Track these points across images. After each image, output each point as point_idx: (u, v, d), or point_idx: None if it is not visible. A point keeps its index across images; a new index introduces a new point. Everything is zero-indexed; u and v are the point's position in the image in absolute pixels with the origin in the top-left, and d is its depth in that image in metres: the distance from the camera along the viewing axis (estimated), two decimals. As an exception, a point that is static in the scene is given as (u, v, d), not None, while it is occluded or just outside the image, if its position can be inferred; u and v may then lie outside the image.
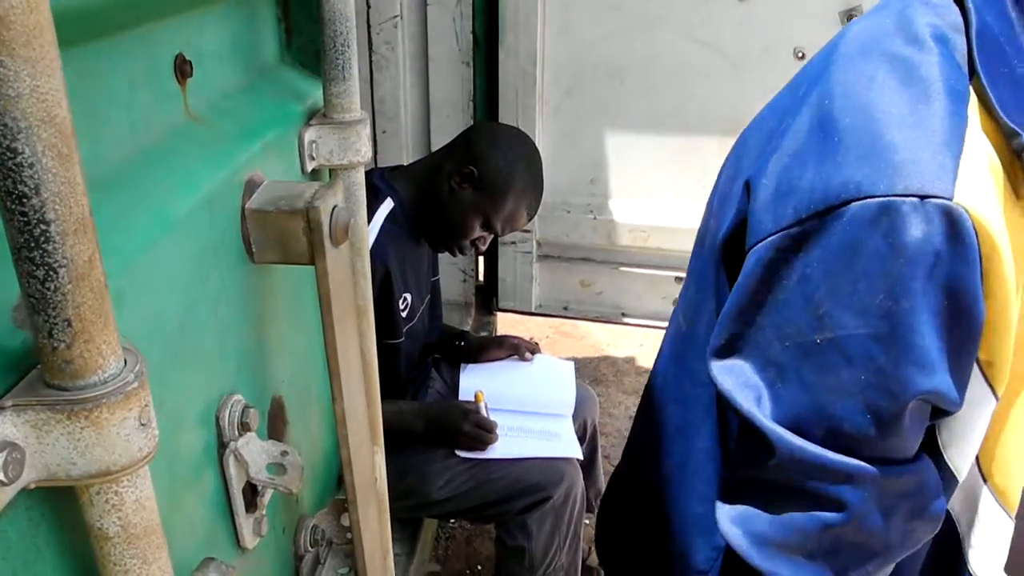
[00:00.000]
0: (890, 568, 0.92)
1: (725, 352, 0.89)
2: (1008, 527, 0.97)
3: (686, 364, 1.07)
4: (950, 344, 0.77)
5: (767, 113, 1.03)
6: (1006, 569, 1.01)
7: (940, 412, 0.83)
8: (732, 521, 0.91)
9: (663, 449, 1.11)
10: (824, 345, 0.80)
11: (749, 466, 0.90)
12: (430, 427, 2.03)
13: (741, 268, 0.88)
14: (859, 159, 0.77)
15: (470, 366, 2.39)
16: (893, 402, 0.78)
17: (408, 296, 2.05)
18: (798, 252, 0.80)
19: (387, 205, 1.98)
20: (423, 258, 2.18)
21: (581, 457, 2.19)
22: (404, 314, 2.05)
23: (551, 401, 2.29)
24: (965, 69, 0.81)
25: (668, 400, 1.12)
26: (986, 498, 0.95)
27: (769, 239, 0.83)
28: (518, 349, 2.42)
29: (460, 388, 2.30)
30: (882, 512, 0.84)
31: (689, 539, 1.04)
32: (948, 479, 0.91)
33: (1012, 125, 0.76)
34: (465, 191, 1.97)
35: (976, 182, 0.75)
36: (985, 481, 0.94)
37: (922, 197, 0.73)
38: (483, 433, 2.01)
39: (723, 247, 0.97)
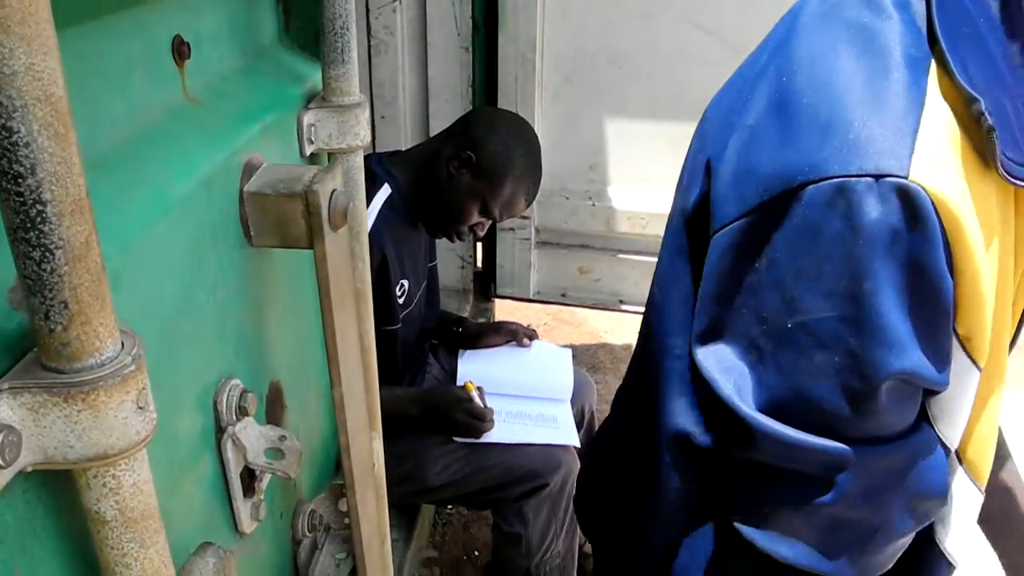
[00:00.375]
0: (906, 541, 0.91)
1: (708, 337, 0.89)
2: (978, 502, 0.97)
3: (660, 337, 1.06)
4: (918, 323, 0.76)
5: (729, 85, 1.02)
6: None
7: (930, 391, 0.83)
8: (736, 505, 0.92)
9: (641, 421, 1.10)
10: (796, 329, 0.79)
11: (740, 448, 0.89)
12: (426, 413, 2.03)
13: (707, 246, 0.88)
14: (814, 139, 0.76)
15: (468, 352, 2.38)
16: (866, 383, 0.77)
17: (405, 282, 2.05)
18: (763, 236, 0.79)
19: (384, 191, 1.97)
20: (420, 244, 2.17)
21: (578, 444, 2.19)
22: (401, 300, 2.04)
23: (549, 388, 2.29)
24: (925, 33, 0.79)
25: (645, 373, 1.11)
26: (959, 474, 0.95)
27: (734, 224, 0.82)
28: (516, 335, 2.41)
29: (458, 374, 2.29)
30: (871, 490, 0.84)
31: (667, 513, 1.03)
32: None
33: (970, 90, 0.74)
34: (463, 176, 1.96)
35: (935, 157, 0.73)
36: (959, 456, 0.94)
37: (877, 176, 0.72)
38: (476, 422, 2.01)
39: (687, 223, 0.97)
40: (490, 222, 2.09)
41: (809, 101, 0.79)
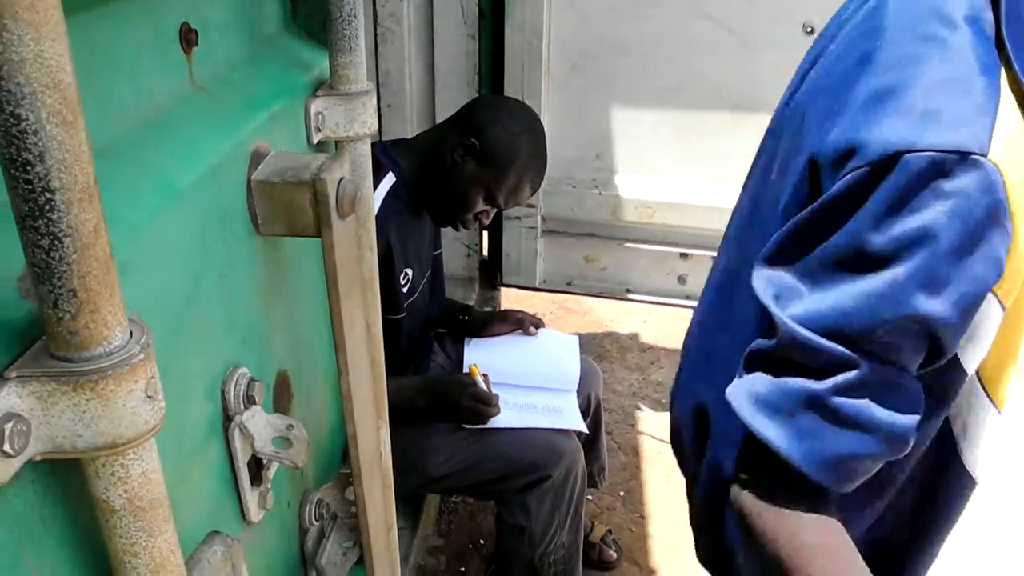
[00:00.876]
0: (875, 461, 0.98)
1: (772, 262, 1.00)
2: (997, 422, 1.06)
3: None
4: (965, 286, 0.87)
5: (818, 87, 1.10)
6: None
7: (936, 350, 0.93)
8: (737, 386, 1.03)
9: (720, 334, 1.27)
10: (858, 268, 0.90)
11: (765, 340, 1.01)
12: (431, 402, 2.02)
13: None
14: (914, 119, 0.87)
15: (474, 340, 2.38)
16: (897, 315, 0.88)
17: (409, 271, 2.04)
18: (856, 195, 0.89)
19: (389, 179, 1.97)
20: (425, 232, 2.16)
21: (586, 430, 2.19)
22: (405, 289, 2.04)
23: (555, 376, 2.29)
24: (994, 42, 0.90)
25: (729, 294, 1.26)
26: (978, 392, 1.04)
27: (834, 184, 0.92)
28: (522, 323, 2.41)
29: (464, 363, 2.29)
30: (865, 397, 0.93)
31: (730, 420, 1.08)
32: (959, 374, 1.01)
33: None
34: (468, 164, 1.96)
35: (1008, 146, 0.85)
36: (979, 378, 1.03)
37: (963, 154, 0.84)
38: (482, 407, 2.01)
39: (783, 214, 1.04)
40: (495, 210, 2.08)
41: (906, 90, 0.90)
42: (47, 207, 0.47)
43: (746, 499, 1.03)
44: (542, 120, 2.67)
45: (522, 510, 2.07)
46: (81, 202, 0.49)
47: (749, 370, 1.02)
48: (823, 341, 0.91)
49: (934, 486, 1.13)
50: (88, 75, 0.66)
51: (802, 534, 0.99)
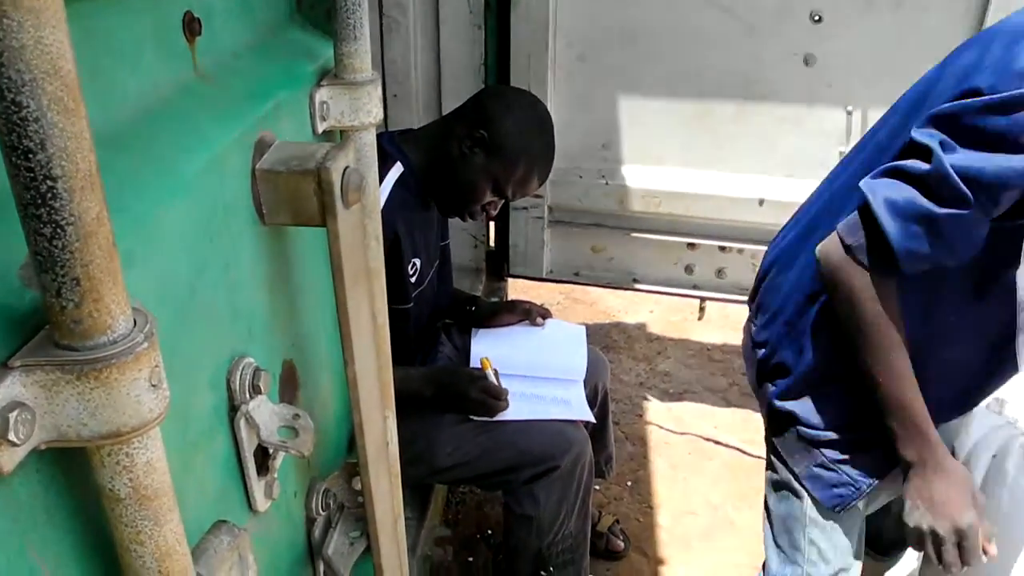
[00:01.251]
0: (936, 265, 1.35)
1: (937, 124, 1.32)
2: None
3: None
4: None
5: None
6: None
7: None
8: (874, 183, 1.36)
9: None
10: (1004, 147, 1.25)
11: (917, 163, 1.31)
12: (439, 392, 2.02)
13: None
14: None
15: (481, 331, 2.38)
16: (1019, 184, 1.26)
17: (417, 261, 2.04)
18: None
19: (397, 169, 1.96)
20: (432, 222, 2.16)
21: (593, 420, 2.19)
22: (413, 279, 2.03)
23: (562, 366, 2.29)
24: None
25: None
26: None
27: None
28: (529, 314, 2.40)
29: (471, 353, 2.29)
30: (960, 228, 1.30)
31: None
32: None
33: None
34: (476, 155, 1.95)
35: None
36: None
37: None
38: (490, 400, 2.00)
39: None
40: (503, 201, 2.08)
41: None
42: (49, 195, 0.47)
43: (843, 260, 1.41)
44: (548, 110, 2.67)
45: (530, 500, 2.07)
46: (83, 190, 0.49)
47: (888, 176, 1.35)
48: (959, 180, 1.25)
49: (989, 359, 1.54)
50: (91, 64, 0.66)
51: (881, 299, 1.39)
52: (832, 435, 1.61)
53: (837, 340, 1.51)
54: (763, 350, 1.73)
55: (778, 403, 1.67)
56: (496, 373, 2.09)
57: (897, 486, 1.54)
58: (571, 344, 2.36)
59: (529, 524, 2.10)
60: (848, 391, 1.56)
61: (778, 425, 1.70)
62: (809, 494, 1.65)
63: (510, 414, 2.03)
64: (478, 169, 1.96)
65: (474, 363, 2.24)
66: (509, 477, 2.06)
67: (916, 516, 1.47)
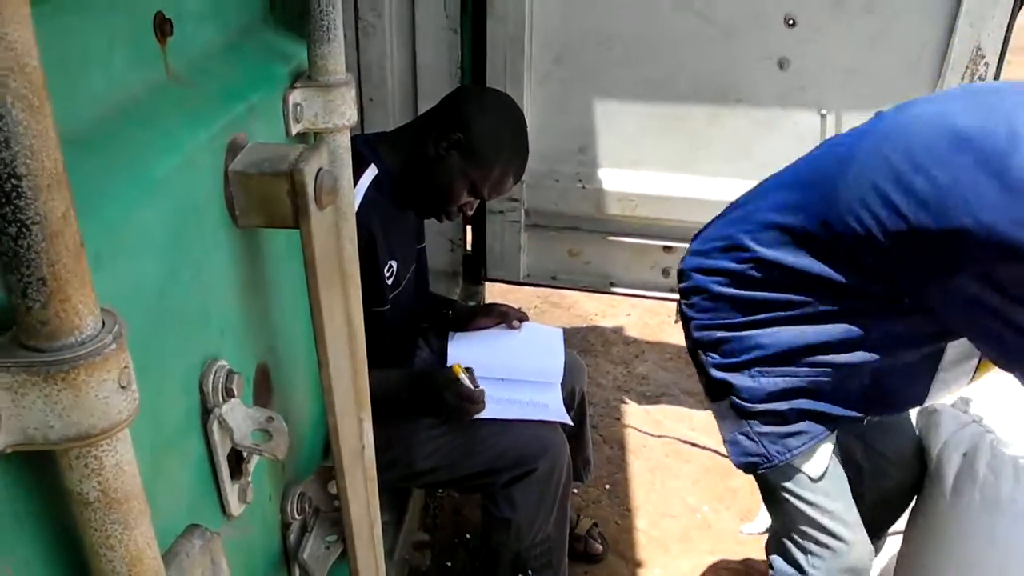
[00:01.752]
0: None
1: None
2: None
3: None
4: None
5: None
6: None
7: None
8: None
9: None
10: None
11: None
12: (416, 395, 2.02)
13: None
14: None
15: (458, 334, 2.37)
16: None
17: (394, 263, 2.03)
18: None
19: (371, 172, 1.95)
20: (408, 225, 2.16)
21: (570, 423, 2.19)
22: (390, 282, 2.03)
23: (540, 369, 2.28)
24: None
25: None
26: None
27: None
28: (506, 317, 2.40)
29: (448, 357, 2.28)
30: None
31: None
32: None
33: None
34: (452, 157, 1.95)
35: None
36: None
37: None
38: (466, 404, 2.00)
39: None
40: (478, 201, 2.07)
41: None
42: (14, 194, 0.47)
43: None
44: (525, 114, 2.67)
45: (508, 503, 2.07)
46: (49, 188, 0.48)
47: None
48: None
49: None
50: (60, 64, 0.65)
51: None
52: (761, 407, 1.74)
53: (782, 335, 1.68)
54: (700, 321, 1.85)
55: (715, 373, 1.80)
56: (471, 373, 2.08)
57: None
58: (549, 347, 2.36)
59: (507, 527, 2.09)
60: (781, 373, 1.71)
61: (715, 391, 1.84)
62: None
63: (487, 415, 2.03)
64: (454, 171, 1.96)
65: (452, 352, 2.24)
66: (487, 480, 2.06)
67: None
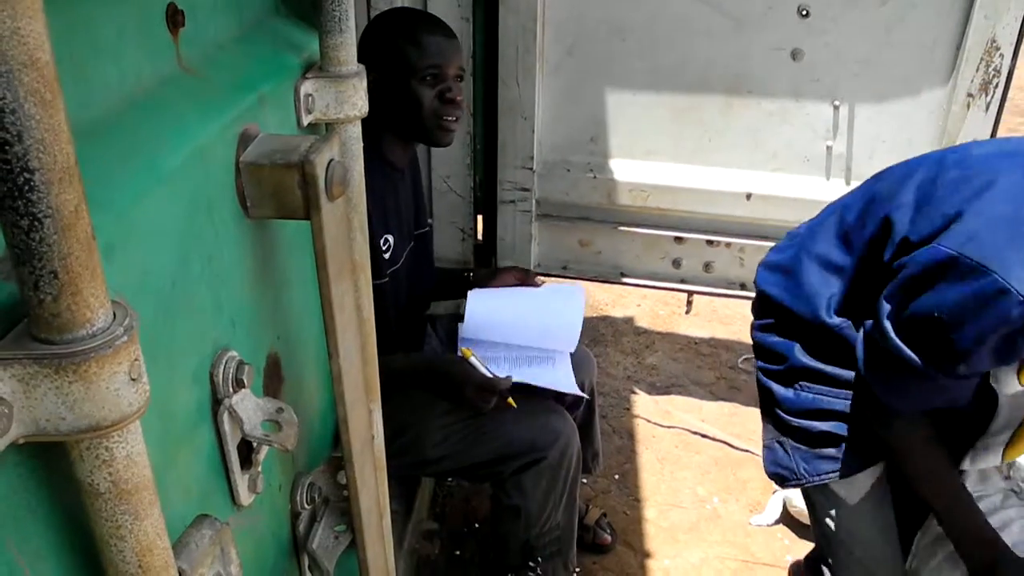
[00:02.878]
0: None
1: None
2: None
3: None
4: None
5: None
6: None
7: None
8: None
9: None
10: None
11: None
12: (434, 383, 2.03)
13: None
14: None
15: (478, 290, 2.32)
16: None
17: (390, 237, 2.03)
18: None
19: None
20: (405, 201, 2.15)
21: (581, 393, 2.19)
22: (387, 256, 2.02)
23: (558, 326, 2.27)
24: None
25: None
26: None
27: None
28: (527, 275, 2.39)
29: (466, 311, 2.23)
30: None
31: None
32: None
33: None
34: (384, 83, 1.95)
35: None
36: None
37: None
38: (487, 395, 2.00)
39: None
40: (450, 80, 2.02)
41: None
42: (26, 187, 0.47)
43: None
44: (537, 105, 2.66)
45: (517, 491, 2.08)
46: (61, 182, 0.48)
47: None
48: None
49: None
50: (71, 56, 0.65)
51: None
52: (797, 422, 1.76)
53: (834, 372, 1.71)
54: (756, 322, 1.92)
55: (762, 378, 1.86)
56: (482, 362, 2.08)
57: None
58: (568, 305, 2.31)
59: (516, 515, 2.10)
60: (824, 392, 1.73)
61: (760, 396, 1.90)
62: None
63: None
64: (396, 82, 1.96)
65: (471, 322, 2.22)
66: (497, 468, 2.07)
67: None
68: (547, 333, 2.27)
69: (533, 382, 2.09)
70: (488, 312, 2.21)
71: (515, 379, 2.04)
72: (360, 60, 1.90)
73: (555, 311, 2.31)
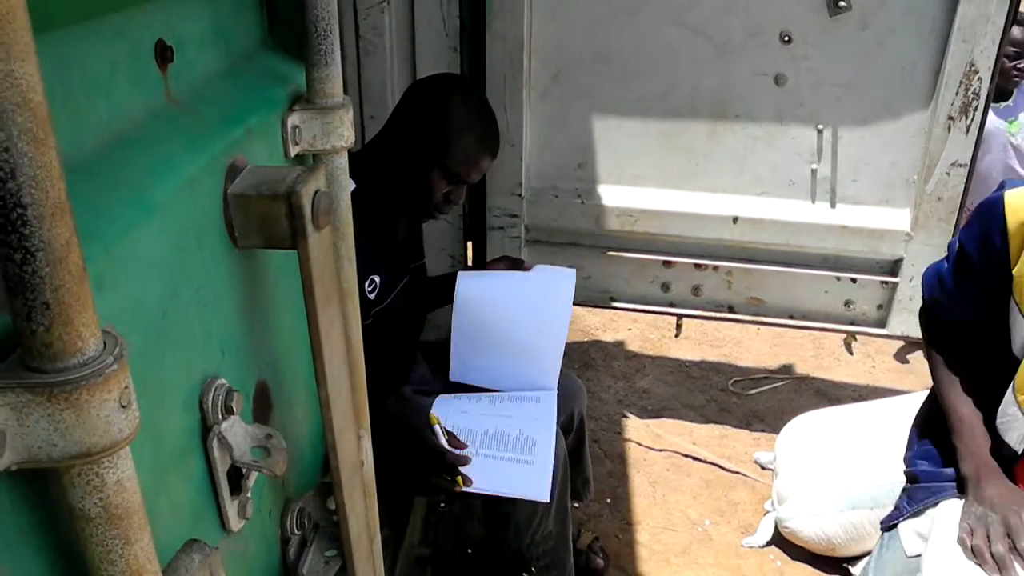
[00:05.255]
0: None
1: None
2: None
3: None
4: None
5: None
6: None
7: None
8: None
9: None
10: None
11: None
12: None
13: None
14: None
15: (467, 271, 2.33)
16: None
17: (376, 278, 2.03)
18: None
19: (349, 185, 1.96)
20: (396, 240, 2.17)
21: (546, 499, 2.01)
22: (372, 296, 2.03)
23: (546, 322, 2.24)
24: None
25: None
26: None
27: None
28: (518, 263, 2.38)
29: (456, 297, 2.19)
30: None
31: None
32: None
33: None
34: (414, 150, 1.96)
35: None
36: None
37: None
38: (449, 480, 1.95)
39: None
40: (464, 186, 2.07)
41: None
42: (19, 222, 0.48)
43: None
44: (524, 132, 2.69)
45: (507, 498, 2.06)
46: (53, 217, 0.50)
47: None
48: None
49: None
50: (62, 91, 0.67)
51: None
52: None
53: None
54: None
55: None
56: (444, 432, 2.01)
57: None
58: (558, 292, 2.29)
59: (506, 523, 2.09)
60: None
61: None
62: None
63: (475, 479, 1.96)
64: (423, 163, 1.97)
65: (457, 305, 2.19)
66: None
67: (971, 513, 1.67)
68: (537, 316, 2.25)
69: (492, 488, 1.97)
70: (479, 294, 2.19)
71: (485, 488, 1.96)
72: (411, 110, 1.95)
73: (546, 293, 2.29)
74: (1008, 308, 1.67)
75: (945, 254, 1.93)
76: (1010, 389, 1.67)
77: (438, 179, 2.00)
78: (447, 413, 2.14)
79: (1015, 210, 1.56)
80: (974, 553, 1.61)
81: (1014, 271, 1.60)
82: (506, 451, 2.06)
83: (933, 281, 1.93)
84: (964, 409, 1.79)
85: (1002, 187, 1.63)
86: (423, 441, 1.97)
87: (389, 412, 2.05)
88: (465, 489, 1.94)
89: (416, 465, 1.98)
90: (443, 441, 1.98)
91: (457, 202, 2.11)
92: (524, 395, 2.25)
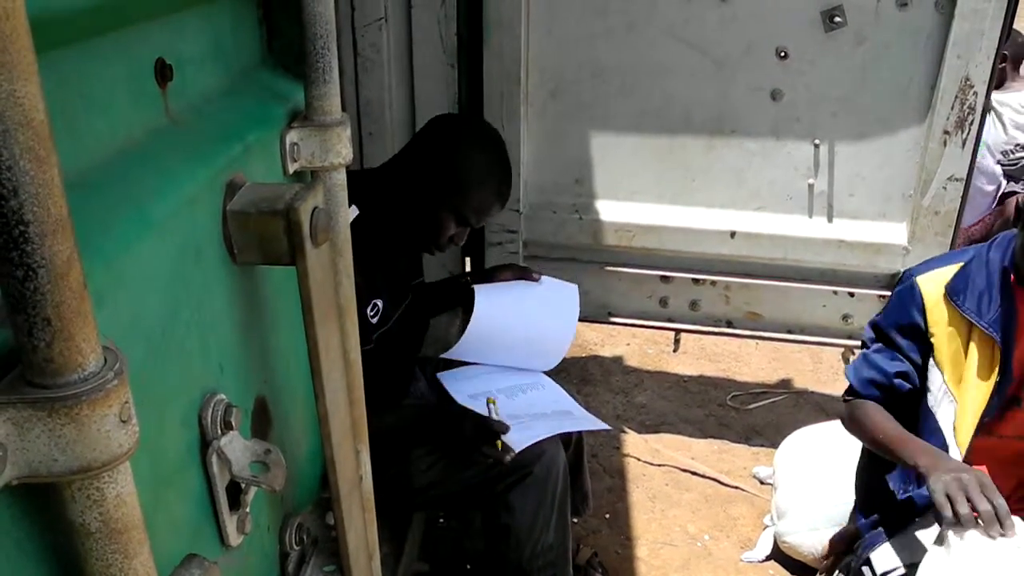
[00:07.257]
0: None
1: None
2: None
3: None
4: None
5: None
6: None
7: None
8: None
9: None
10: None
11: None
12: (427, 433, 2.08)
13: None
14: None
15: (482, 285, 2.36)
16: None
17: (379, 302, 2.04)
18: None
19: (352, 212, 1.96)
20: (397, 262, 2.18)
21: (608, 427, 2.30)
22: (374, 320, 2.03)
23: (556, 323, 2.37)
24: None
25: None
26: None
27: None
28: (526, 271, 2.41)
29: (475, 305, 2.28)
30: None
31: None
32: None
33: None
34: (431, 190, 1.97)
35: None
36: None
37: None
38: (487, 435, 2.02)
39: None
40: (468, 229, 2.10)
41: None
42: (21, 239, 0.49)
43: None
44: (522, 148, 2.70)
45: (505, 509, 2.05)
46: (55, 234, 0.51)
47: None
48: None
49: None
50: (63, 110, 0.68)
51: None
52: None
53: None
54: None
55: None
56: (495, 411, 2.15)
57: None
58: (565, 302, 2.42)
59: (507, 535, 2.08)
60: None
61: None
62: None
63: (519, 443, 2.04)
64: (437, 203, 1.98)
65: (475, 317, 2.25)
66: (485, 491, 2.06)
67: (935, 485, 1.70)
68: (546, 330, 2.36)
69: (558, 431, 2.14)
70: (494, 312, 2.25)
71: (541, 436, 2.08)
72: (432, 148, 1.97)
73: (553, 308, 2.39)
74: (927, 368, 1.96)
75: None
76: (950, 434, 1.91)
77: (448, 220, 2.02)
78: (459, 385, 2.32)
79: (929, 292, 1.91)
80: (961, 522, 1.64)
81: (932, 340, 1.93)
82: (535, 408, 2.25)
83: (857, 364, 2.10)
84: (898, 429, 1.94)
85: (911, 274, 1.98)
86: (466, 418, 2.06)
87: (410, 413, 2.15)
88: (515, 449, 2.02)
89: (459, 445, 2.05)
90: (495, 415, 2.09)
91: (459, 243, 2.15)
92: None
